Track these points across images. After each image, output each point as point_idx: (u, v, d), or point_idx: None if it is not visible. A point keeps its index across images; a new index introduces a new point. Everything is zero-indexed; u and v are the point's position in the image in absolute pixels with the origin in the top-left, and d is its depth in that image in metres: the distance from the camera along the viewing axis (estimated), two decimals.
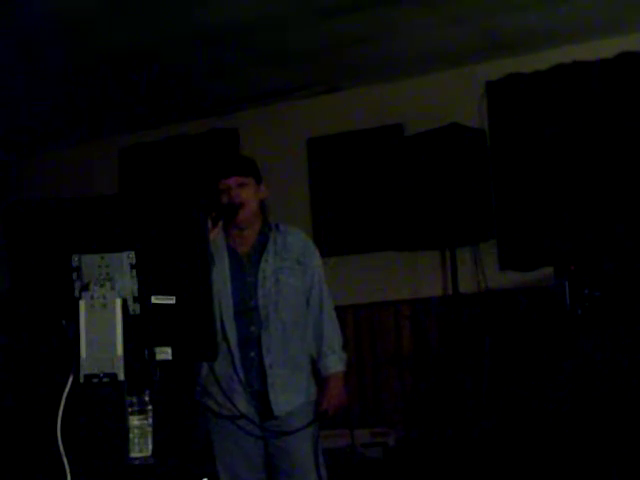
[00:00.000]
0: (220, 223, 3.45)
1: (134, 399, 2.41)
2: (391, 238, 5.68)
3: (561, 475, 4.58)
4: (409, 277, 5.77)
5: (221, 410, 3.57)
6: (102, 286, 2.32)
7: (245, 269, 3.65)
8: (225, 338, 3.55)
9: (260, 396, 3.59)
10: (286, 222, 3.83)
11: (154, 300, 2.37)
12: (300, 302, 3.70)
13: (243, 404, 3.57)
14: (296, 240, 3.74)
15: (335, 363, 3.70)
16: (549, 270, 4.78)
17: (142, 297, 2.36)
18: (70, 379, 2.32)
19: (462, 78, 5.68)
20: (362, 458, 5.11)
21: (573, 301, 4.46)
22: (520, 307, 5.33)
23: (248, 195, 3.65)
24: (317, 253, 3.80)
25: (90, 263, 2.36)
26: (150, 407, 2.44)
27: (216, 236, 3.44)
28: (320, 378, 3.73)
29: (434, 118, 5.41)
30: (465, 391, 5.25)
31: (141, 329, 2.37)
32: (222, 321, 3.54)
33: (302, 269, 3.70)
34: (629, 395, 4.32)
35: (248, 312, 3.60)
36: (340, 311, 3.84)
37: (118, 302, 2.31)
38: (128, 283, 2.36)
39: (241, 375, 3.56)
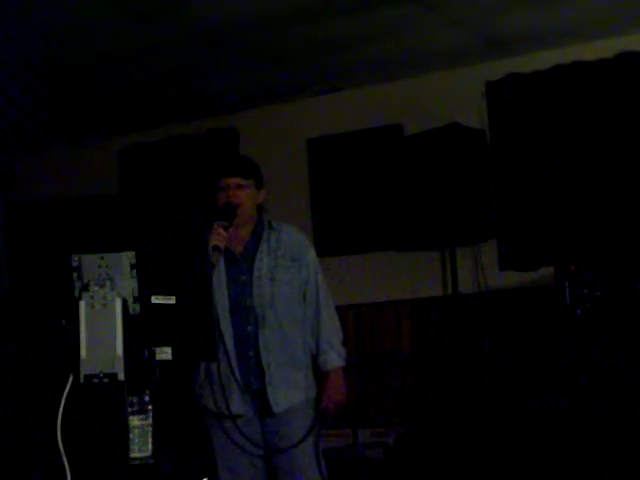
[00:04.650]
0: (231, 229, 3.47)
1: (134, 399, 2.42)
2: (391, 238, 5.68)
3: (561, 475, 4.58)
4: (409, 277, 5.77)
5: (220, 410, 3.57)
6: (102, 286, 2.32)
7: (240, 268, 3.64)
8: (222, 338, 3.54)
9: (259, 395, 3.59)
10: (280, 220, 3.81)
11: (154, 300, 2.37)
12: (296, 299, 3.70)
13: (241, 404, 3.57)
14: (290, 237, 3.73)
15: (334, 359, 3.70)
16: (549, 270, 4.78)
17: (142, 297, 2.37)
18: (70, 379, 2.32)
19: (462, 78, 5.68)
20: (362, 458, 5.11)
21: (573, 301, 4.46)
22: (520, 307, 5.32)
23: (246, 197, 3.64)
24: (312, 249, 3.78)
25: (90, 263, 2.36)
26: (150, 407, 2.44)
27: (226, 242, 3.45)
28: (320, 374, 3.73)
29: (434, 118, 5.41)
30: (465, 391, 5.25)
31: (141, 329, 2.37)
32: (218, 321, 3.53)
33: (297, 266, 3.69)
34: (629, 395, 4.32)
35: (244, 311, 3.60)
36: (340, 311, 3.84)
37: (118, 302, 2.31)
38: (128, 283, 2.36)
39: (238, 375, 3.55)
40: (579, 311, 4.45)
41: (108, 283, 2.33)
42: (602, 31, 5.19)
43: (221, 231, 3.42)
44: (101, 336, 2.29)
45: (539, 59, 5.46)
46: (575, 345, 4.47)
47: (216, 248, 3.37)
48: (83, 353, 2.28)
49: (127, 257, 2.36)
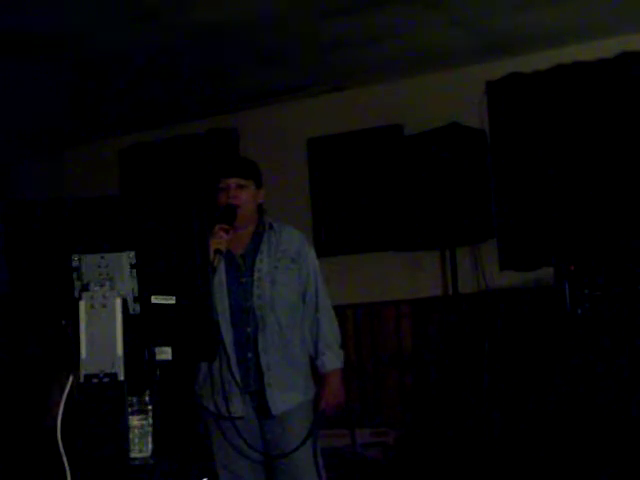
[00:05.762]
0: (231, 232, 3.48)
1: (134, 399, 2.42)
2: (391, 238, 5.69)
3: (561, 475, 4.58)
4: (409, 277, 5.77)
5: (219, 411, 3.57)
6: (102, 286, 2.32)
7: (240, 270, 3.64)
8: (222, 339, 3.55)
9: (258, 396, 3.60)
10: (282, 221, 3.82)
11: (154, 300, 2.37)
12: (296, 301, 3.70)
13: (241, 405, 3.57)
14: (290, 238, 3.74)
15: (332, 361, 3.71)
16: (549, 270, 4.78)
17: (142, 297, 2.36)
18: (70, 379, 2.32)
19: (462, 78, 5.68)
20: (362, 458, 5.11)
21: (573, 301, 4.46)
22: (520, 307, 5.32)
23: (246, 197, 3.65)
24: (312, 250, 3.79)
25: (90, 263, 2.36)
26: (150, 407, 2.44)
27: (228, 245, 3.46)
28: (318, 376, 3.73)
29: (434, 118, 5.41)
30: (465, 391, 5.25)
31: (141, 329, 2.37)
32: (218, 322, 3.53)
33: (297, 267, 3.70)
34: (629, 396, 4.32)
35: (244, 313, 3.60)
36: (340, 311, 3.84)
37: (118, 302, 2.31)
38: (128, 283, 2.36)
39: (237, 376, 3.56)
40: (579, 311, 4.45)
41: (108, 283, 2.33)
42: (602, 31, 5.19)
43: (222, 234, 3.43)
44: (101, 336, 2.29)
45: (539, 59, 5.46)
46: (575, 345, 4.47)
47: (217, 251, 3.38)
48: (83, 353, 2.28)
49: (127, 257, 2.36)
